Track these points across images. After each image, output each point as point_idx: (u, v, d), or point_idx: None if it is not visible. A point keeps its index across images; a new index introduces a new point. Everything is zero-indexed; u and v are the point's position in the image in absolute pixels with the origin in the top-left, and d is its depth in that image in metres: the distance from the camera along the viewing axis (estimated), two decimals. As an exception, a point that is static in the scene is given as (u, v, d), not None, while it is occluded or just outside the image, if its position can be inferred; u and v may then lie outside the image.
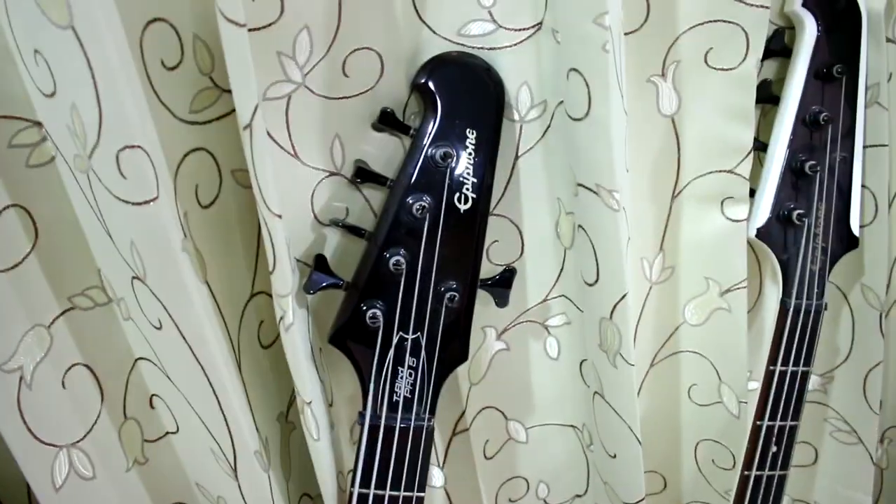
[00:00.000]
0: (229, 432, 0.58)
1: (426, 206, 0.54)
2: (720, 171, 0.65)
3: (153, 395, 0.63)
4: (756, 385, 0.70)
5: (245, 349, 0.61)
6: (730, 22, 0.60)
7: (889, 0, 0.66)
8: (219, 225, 0.57)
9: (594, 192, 0.58)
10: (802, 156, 0.65)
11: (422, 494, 0.60)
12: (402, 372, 0.57)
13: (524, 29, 0.57)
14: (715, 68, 0.62)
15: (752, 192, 0.66)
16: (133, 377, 0.62)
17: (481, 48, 0.57)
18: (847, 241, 0.68)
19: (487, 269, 0.63)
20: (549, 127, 0.61)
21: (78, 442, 0.59)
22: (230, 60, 0.44)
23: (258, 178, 0.48)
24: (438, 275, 0.56)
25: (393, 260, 0.55)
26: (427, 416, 0.58)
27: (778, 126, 0.65)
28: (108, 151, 0.45)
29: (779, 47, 0.65)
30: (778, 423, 0.70)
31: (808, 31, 0.63)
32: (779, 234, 0.67)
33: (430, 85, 0.54)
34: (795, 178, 0.65)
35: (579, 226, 0.63)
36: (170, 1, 0.50)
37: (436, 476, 0.74)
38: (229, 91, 0.46)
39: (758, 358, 0.71)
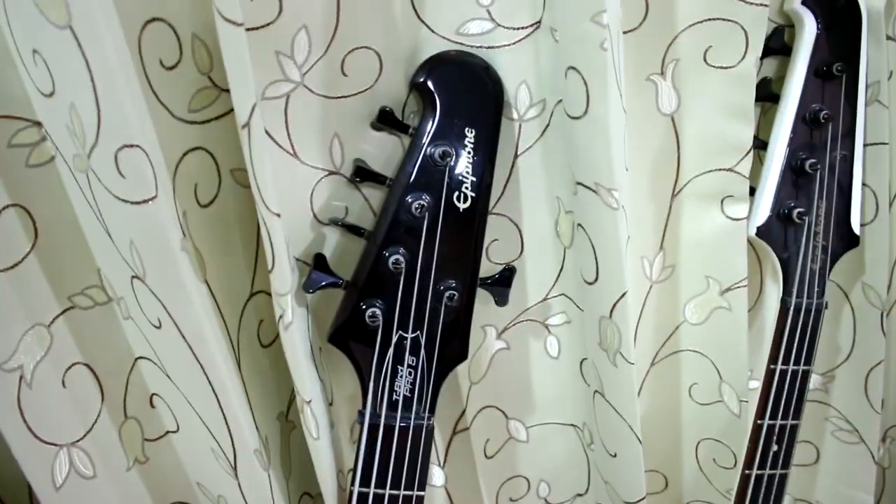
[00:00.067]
0: (229, 431, 0.58)
1: (425, 204, 0.54)
2: (720, 170, 0.65)
3: (153, 394, 0.63)
4: (757, 384, 0.70)
5: (245, 348, 0.61)
6: (729, 20, 0.60)
7: (889, -2, 0.66)
8: (218, 224, 0.57)
9: (593, 191, 0.58)
10: (803, 154, 0.65)
11: (422, 493, 0.60)
12: (401, 371, 0.58)
13: (523, 28, 0.57)
14: (714, 66, 0.62)
15: (753, 191, 0.66)
16: (133, 376, 0.62)
17: (480, 47, 0.57)
18: (848, 240, 0.68)
19: (487, 268, 0.63)
20: (548, 126, 0.61)
21: (78, 441, 0.59)
22: (228, 59, 0.45)
23: (257, 176, 0.48)
24: (438, 273, 0.56)
25: (392, 259, 0.55)
26: (427, 414, 0.58)
27: (778, 124, 0.65)
28: (106, 151, 0.46)
29: (778, 45, 0.65)
30: (779, 421, 0.69)
31: (808, 29, 0.63)
32: (779, 232, 0.66)
33: (429, 84, 0.54)
34: (796, 176, 0.65)
35: (579, 224, 0.63)
36: (168, 0, 0.50)
37: (436, 475, 0.74)
38: (228, 90, 0.46)
39: (758, 357, 0.71)
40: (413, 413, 0.58)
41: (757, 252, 0.72)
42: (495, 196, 0.63)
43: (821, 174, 0.66)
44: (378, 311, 0.56)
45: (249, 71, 0.45)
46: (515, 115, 0.61)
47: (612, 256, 0.60)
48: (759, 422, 0.69)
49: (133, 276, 0.52)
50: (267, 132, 0.55)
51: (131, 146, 0.46)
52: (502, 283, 0.60)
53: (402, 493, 0.59)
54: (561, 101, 0.59)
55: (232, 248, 0.59)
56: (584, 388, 0.72)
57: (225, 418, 0.57)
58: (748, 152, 0.64)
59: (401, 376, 0.58)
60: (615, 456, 0.70)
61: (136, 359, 0.62)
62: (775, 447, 0.70)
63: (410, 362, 0.58)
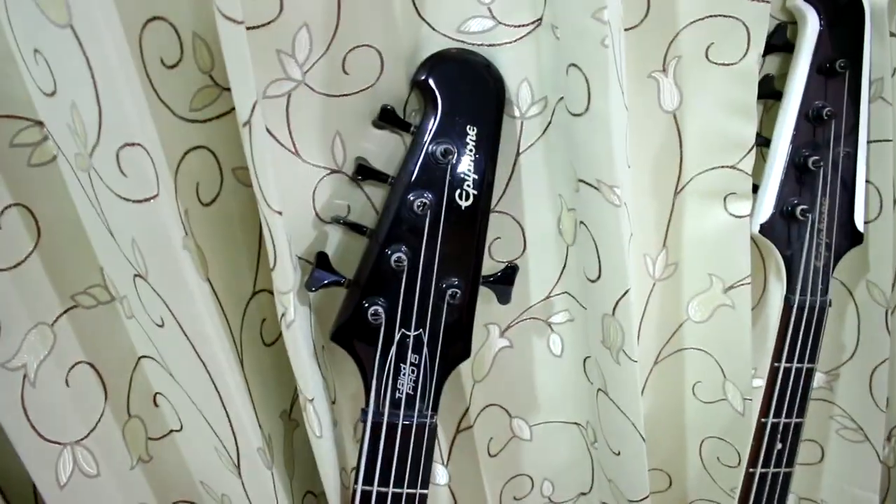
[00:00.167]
0: (232, 430, 0.58)
1: (427, 202, 0.54)
2: (723, 167, 0.65)
3: (157, 393, 0.63)
4: (761, 382, 0.70)
5: (247, 347, 0.61)
6: (730, 17, 0.60)
7: (892, -6, 0.65)
8: (220, 223, 0.58)
9: (595, 188, 0.58)
10: (806, 151, 0.65)
11: (425, 491, 0.60)
12: (404, 369, 0.58)
13: (524, 25, 0.57)
14: (716, 63, 0.62)
15: (756, 188, 0.66)
16: (136, 375, 0.62)
17: (481, 45, 0.57)
18: (851, 237, 0.68)
19: (490, 266, 0.63)
20: (549, 123, 0.61)
21: (82, 440, 0.59)
22: (228, 58, 0.45)
23: (258, 174, 0.48)
24: (440, 271, 0.56)
25: (394, 257, 0.55)
26: (430, 412, 0.58)
27: (781, 121, 0.65)
28: (108, 150, 0.46)
29: (781, 42, 0.65)
30: (783, 420, 0.69)
31: (811, 26, 0.63)
32: (782, 229, 0.66)
33: (431, 82, 0.55)
34: (799, 173, 0.65)
35: (581, 222, 0.63)
36: (169, -1, 0.50)
37: (440, 474, 0.74)
38: (229, 89, 0.46)
39: (762, 355, 0.71)
40: (416, 411, 0.58)
41: (760, 249, 0.72)
42: (497, 194, 0.63)
43: (824, 171, 0.66)
44: (380, 309, 0.56)
45: (250, 69, 0.45)
46: (517, 113, 0.60)
47: (614, 253, 0.60)
48: (763, 420, 0.69)
49: (135, 275, 0.52)
50: (269, 131, 0.55)
51: (133, 145, 0.46)
52: (505, 281, 0.60)
53: (406, 491, 0.59)
54: (562, 98, 0.59)
55: (234, 247, 0.60)
56: (587, 387, 0.72)
57: (228, 417, 0.57)
58: (751, 149, 0.64)
59: (403, 374, 0.58)
60: (619, 454, 0.70)
61: (140, 358, 0.62)
62: (779, 445, 0.70)
63: (413, 360, 0.58)
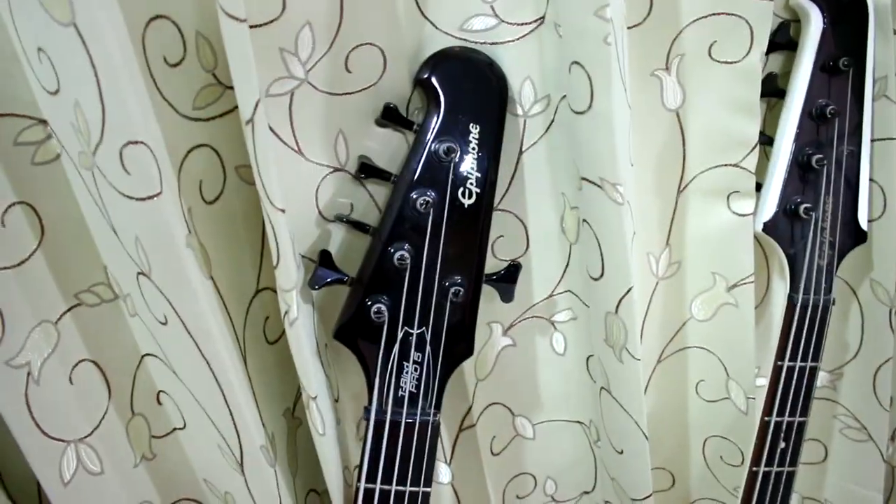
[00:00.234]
0: (235, 428, 0.58)
1: (430, 200, 0.54)
2: (726, 165, 0.65)
3: (160, 391, 0.64)
4: (764, 381, 0.70)
5: (251, 345, 0.61)
6: (733, 15, 0.60)
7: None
8: (223, 221, 0.58)
9: (598, 186, 0.58)
10: (809, 149, 0.64)
11: (428, 489, 0.60)
12: (407, 367, 0.58)
13: (526, 23, 0.57)
14: (719, 61, 0.62)
15: (759, 187, 0.66)
16: (140, 373, 0.62)
17: (484, 43, 0.57)
18: (855, 236, 0.68)
19: (492, 265, 0.63)
20: (552, 122, 0.61)
21: (86, 437, 0.59)
22: (231, 56, 0.45)
23: (261, 172, 0.48)
24: (443, 270, 0.56)
25: (397, 255, 0.55)
26: (433, 410, 0.58)
27: (784, 119, 0.65)
28: (111, 148, 0.46)
29: (784, 40, 0.64)
30: (786, 419, 0.69)
31: (814, 24, 0.63)
32: (786, 228, 0.66)
33: (433, 80, 0.54)
34: (802, 171, 0.65)
35: (584, 220, 0.62)
36: (171, -2, 0.51)
37: (443, 472, 0.74)
38: (232, 87, 0.46)
39: (766, 353, 0.71)
40: (419, 409, 0.58)
41: (763, 248, 0.71)
42: (500, 192, 0.63)
43: (828, 170, 0.65)
44: (383, 308, 0.56)
45: (253, 67, 0.45)
46: (520, 111, 0.60)
47: (617, 251, 0.60)
48: (766, 419, 0.69)
49: (139, 273, 0.52)
50: (272, 129, 0.55)
51: (136, 143, 0.46)
52: (508, 280, 0.60)
53: (409, 489, 0.59)
54: (565, 96, 0.59)
55: (237, 245, 0.60)
56: (590, 385, 0.72)
57: (231, 415, 0.57)
58: (754, 148, 0.64)
59: (406, 372, 0.58)
60: (622, 453, 0.70)
61: (143, 356, 0.62)
62: (783, 444, 0.70)
63: (416, 358, 0.58)
